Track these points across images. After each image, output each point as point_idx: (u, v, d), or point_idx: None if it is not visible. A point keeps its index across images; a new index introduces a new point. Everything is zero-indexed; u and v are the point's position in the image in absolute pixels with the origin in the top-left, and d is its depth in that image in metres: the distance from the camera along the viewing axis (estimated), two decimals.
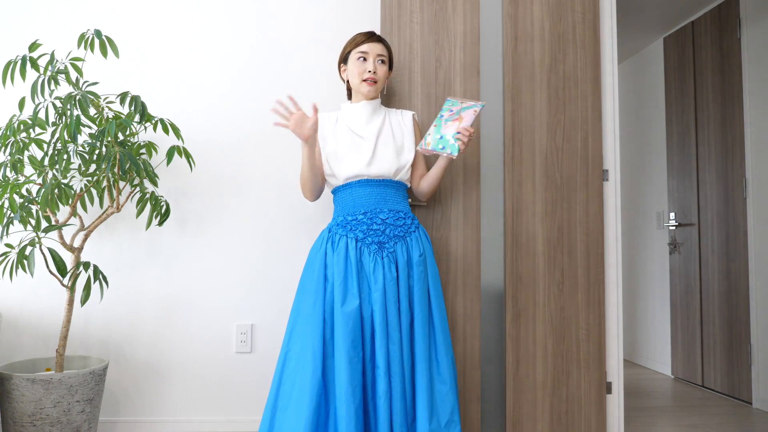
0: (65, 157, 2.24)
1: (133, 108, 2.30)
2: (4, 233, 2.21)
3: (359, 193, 2.06)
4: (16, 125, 2.28)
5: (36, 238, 2.10)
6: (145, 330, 2.65)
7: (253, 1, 2.77)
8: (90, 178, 2.40)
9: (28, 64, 2.25)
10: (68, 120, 2.17)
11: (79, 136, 2.29)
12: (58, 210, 2.32)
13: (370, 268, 1.97)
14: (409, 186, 2.19)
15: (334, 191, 2.16)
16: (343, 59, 2.21)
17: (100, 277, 2.29)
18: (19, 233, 2.54)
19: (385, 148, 2.11)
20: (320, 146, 2.16)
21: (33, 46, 2.25)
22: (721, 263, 3.76)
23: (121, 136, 2.36)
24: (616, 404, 2.54)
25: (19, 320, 2.62)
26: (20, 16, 2.72)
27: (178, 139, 2.45)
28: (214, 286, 2.67)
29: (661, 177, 4.51)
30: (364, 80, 2.13)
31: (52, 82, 2.25)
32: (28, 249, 2.06)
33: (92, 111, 2.40)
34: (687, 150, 4.14)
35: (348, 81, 2.21)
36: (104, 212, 2.37)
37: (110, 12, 2.74)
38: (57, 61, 2.29)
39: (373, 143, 2.10)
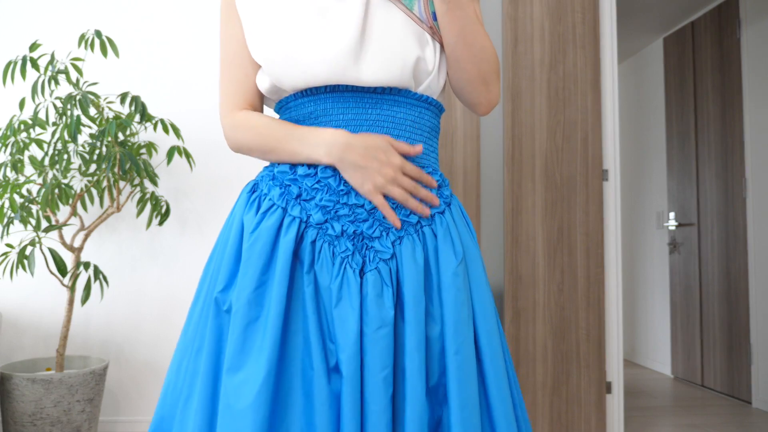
0: (65, 157, 2.24)
1: (133, 108, 2.30)
2: (5, 233, 2.21)
3: (329, 118, 0.93)
4: (16, 125, 2.28)
5: (36, 238, 2.10)
6: (146, 330, 2.65)
7: None
8: (90, 178, 2.40)
9: (29, 64, 2.26)
10: (68, 120, 2.17)
11: (79, 136, 2.29)
12: (58, 210, 2.32)
13: (332, 293, 0.86)
14: (443, 108, 1.02)
15: (277, 107, 1.01)
16: None
17: (101, 276, 2.29)
18: (19, 233, 2.55)
19: (390, 24, 0.92)
20: (239, 14, 0.98)
21: (33, 46, 2.25)
22: (721, 263, 3.76)
23: (121, 136, 2.36)
24: (616, 404, 2.54)
25: (19, 320, 2.62)
26: (20, 16, 2.72)
27: (178, 139, 2.45)
28: None
29: (661, 177, 4.51)
30: None
31: (53, 82, 2.25)
32: (29, 249, 2.06)
33: (92, 111, 2.40)
34: (687, 150, 4.14)
35: None
36: (104, 212, 2.37)
37: (110, 12, 2.74)
38: (57, 61, 2.29)
39: (362, 7, 0.91)
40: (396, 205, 0.90)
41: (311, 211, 0.89)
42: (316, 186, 0.90)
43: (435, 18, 0.94)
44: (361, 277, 0.87)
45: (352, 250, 0.88)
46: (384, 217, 0.89)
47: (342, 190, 0.89)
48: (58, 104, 2.34)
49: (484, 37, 0.95)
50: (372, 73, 0.89)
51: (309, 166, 0.91)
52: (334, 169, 0.90)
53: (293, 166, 0.92)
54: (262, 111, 1.01)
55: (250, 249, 0.88)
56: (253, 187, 0.96)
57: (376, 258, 0.88)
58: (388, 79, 0.90)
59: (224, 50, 0.99)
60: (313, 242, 0.88)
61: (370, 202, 0.89)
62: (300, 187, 0.90)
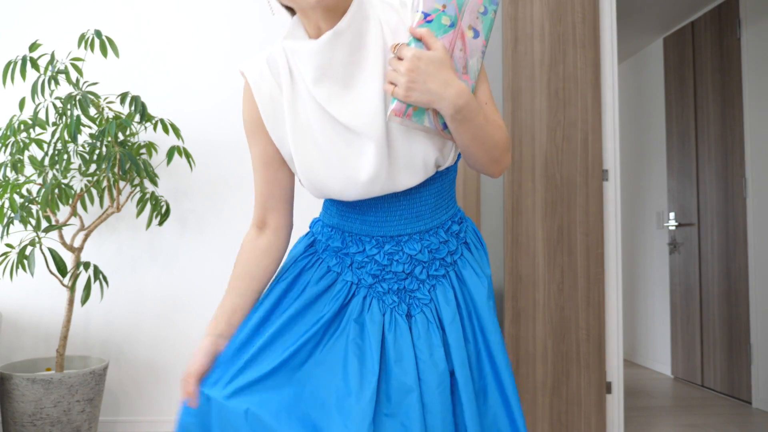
0: (65, 157, 2.24)
1: (133, 108, 2.30)
2: (4, 233, 2.21)
3: (367, 213, 1.09)
4: (16, 125, 2.28)
5: (36, 238, 2.10)
6: (146, 330, 2.65)
7: (253, 1, 2.77)
8: (90, 178, 2.40)
9: (29, 64, 2.25)
10: (68, 120, 2.17)
11: (79, 136, 2.29)
12: (58, 210, 2.32)
13: (379, 334, 1.04)
14: (460, 156, 1.13)
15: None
16: None
17: (101, 277, 2.29)
18: (19, 233, 2.55)
19: (410, 143, 1.02)
20: (272, 136, 1.10)
21: (33, 46, 2.25)
22: (721, 263, 3.76)
23: (121, 136, 2.36)
24: (615, 404, 2.54)
25: (19, 320, 2.62)
26: (20, 16, 2.72)
27: (178, 139, 2.45)
28: (214, 286, 2.67)
29: (661, 177, 4.51)
30: None
31: (52, 82, 2.25)
32: (29, 249, 2.06)
33: (92, 111, 2.41)
34: (687, 150, 4.14)
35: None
36: (104, 212, 2.37)
37: (110, 12, 2.74)
38: (57, 61, 2.29)
39: (383, 142, 1.00)
40: (426, 265, 1.08)
41: (362, 277, 1.09)
42: (365, 260, 1.09)
43: (445, 127, 1.00)
44: (409, 320, 1.06)
45: (398, 302, 1.07)
46: (420, 273, 1.08)
47: (386, 265, 1.08)
48: (58, 104, 2.34)
49: (495, 130, 1.03)
50: (403, 184, 1.04)
51: (358, 245, 1.10)
52: (378, 248, 1.08)
53: (345, 242, 1.11)
54: (291, 205, 1.18)
55: (304, 303, 1.07)
56: (312, 243, 1.16)
57: (420, 304, 1.07)
58: (416, 182, 1.04)
59: (255, 160, 1.14)
60: (364, 298, 1.08)
61: (408, 267, 1.08)
62: (352, 259, 1.10)
